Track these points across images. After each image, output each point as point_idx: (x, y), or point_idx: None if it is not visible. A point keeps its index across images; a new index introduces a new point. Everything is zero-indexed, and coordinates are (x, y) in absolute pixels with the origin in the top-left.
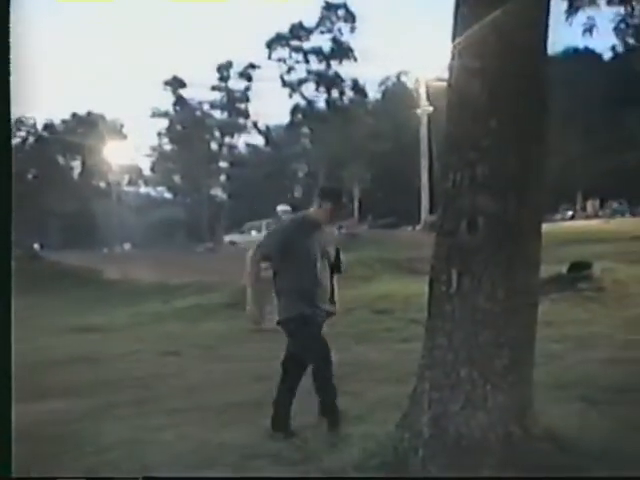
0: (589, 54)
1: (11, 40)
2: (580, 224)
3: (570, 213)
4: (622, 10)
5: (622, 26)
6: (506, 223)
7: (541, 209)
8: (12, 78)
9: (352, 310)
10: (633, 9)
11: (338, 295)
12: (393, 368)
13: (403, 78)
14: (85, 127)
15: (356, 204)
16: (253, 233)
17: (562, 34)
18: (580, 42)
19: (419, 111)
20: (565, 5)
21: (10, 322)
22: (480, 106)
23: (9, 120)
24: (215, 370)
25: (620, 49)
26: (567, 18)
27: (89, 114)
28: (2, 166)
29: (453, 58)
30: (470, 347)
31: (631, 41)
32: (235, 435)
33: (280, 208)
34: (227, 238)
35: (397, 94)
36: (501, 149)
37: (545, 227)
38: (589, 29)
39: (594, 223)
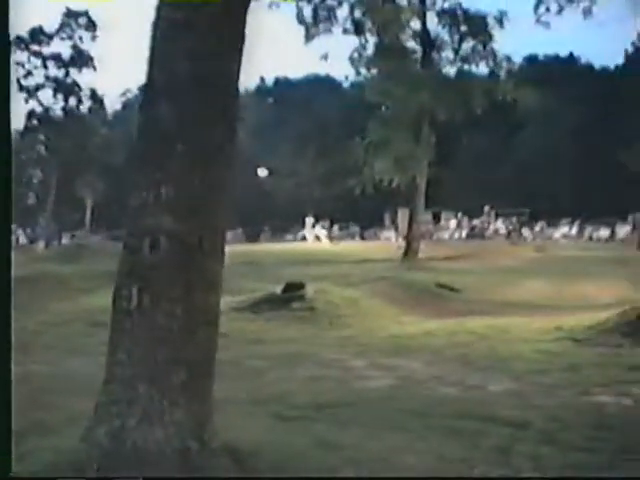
0: (328, 81)
1: None
2: (309, 246)
3: (302, 234)
4: (357, 41)
5: (355, 55)
6: (187, 244)
7: (224, 232)
8: None
9: (67, 322)
10: (367, 40)
11: None
12: (100, 382)
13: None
14: None
15: (89, 214)
16: None
17: (305, 60)
18: (324, 69)
19: None
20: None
21: (9, 330)
22: (168, 129)
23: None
24: None
25: (353, 78)
26: (305, 43)
27: None
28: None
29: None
30: (148, 363)
31: (363, 71)
32: None
33: None
34: None
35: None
36: (186, 172)
37: (274, 248)
38: (325, 56)
39: (324, 245)
